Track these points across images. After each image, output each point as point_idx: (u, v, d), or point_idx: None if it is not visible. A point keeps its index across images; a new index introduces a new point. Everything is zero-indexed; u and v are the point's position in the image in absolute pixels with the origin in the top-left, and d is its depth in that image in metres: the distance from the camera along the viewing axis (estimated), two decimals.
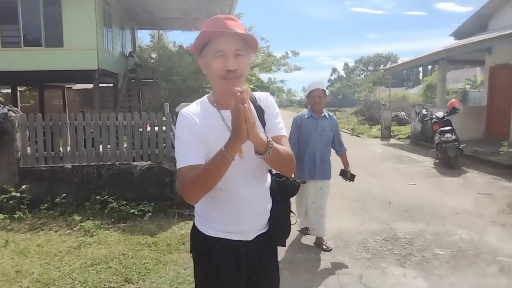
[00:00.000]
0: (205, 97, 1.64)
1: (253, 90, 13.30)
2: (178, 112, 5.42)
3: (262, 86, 18.33)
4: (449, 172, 8.10)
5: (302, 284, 3.35)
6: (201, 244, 1.66)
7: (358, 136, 16.47)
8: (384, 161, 9.69)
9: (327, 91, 4.18)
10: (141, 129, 5.54)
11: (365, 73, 72.29)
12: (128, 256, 3.86)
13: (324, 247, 4.09)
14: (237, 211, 1.61)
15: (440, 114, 9.50)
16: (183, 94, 11.27)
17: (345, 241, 4.33)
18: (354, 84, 59.56)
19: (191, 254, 1.74)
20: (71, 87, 20.26)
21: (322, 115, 4.09)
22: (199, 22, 12.84)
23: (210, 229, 1.63)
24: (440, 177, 7.72)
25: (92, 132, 5.39)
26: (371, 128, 19.07)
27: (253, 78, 12.53)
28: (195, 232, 1.69)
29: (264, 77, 17.07)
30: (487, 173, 7.85)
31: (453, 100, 9.97)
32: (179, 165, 1.49)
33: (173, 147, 5.67)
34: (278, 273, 1.80)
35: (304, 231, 4.45)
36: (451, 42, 14.05)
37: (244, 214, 1.62)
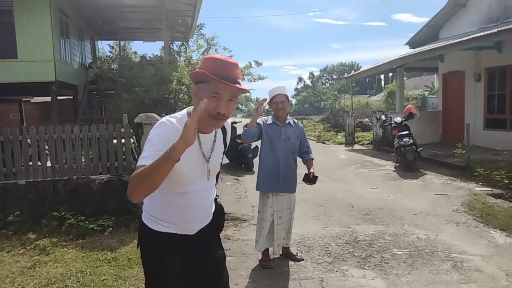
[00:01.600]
0: (185, 112, 1.71)
1: None
2: (137, 123, 5.34)
3: None
4: (409, 175, 8.41)
5: None
6: (150, 239, 1.77)
7: (323, 143, 16.82)
8: (347, 166, 9.93)
9: (290, 97, 3.91)
10: (115, 141, 5.41)
11: (330, 81, 74.18)
12: (86, 273, 3.72)
13: (298, 257, 3.96)
14: (188, 216, 1.77)
15: (398, 119, 9.88)
16: (146, 105, 11.10)
17: (308, 246, 4.38)
18: (320, 92, 60.96)
19: (139, 250, 1.83)
20: (29, 101, 19.43)
21: (287, 122, 3.79)
22: (161, 32, 12.75)
23: (159, 226, 1.75)
24: (399, 180, 8.00)
25: (46, 148, 5.19)
26: (336, 135, 19.53)
27: None
28: (142, 228, 1.80)
29: None
30: (443, 174, 8.22)
31: (410, 105, 10.41)
32: (137, 164, 1.54)
33: (133, 159, 5.55)
34: (225, 259, 1.98)
35: (264, 264, 3.84)
36: (406, 50, 14.72)
37: (194, 220, 1.82)
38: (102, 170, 5.39)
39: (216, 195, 2.01)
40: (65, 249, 4.30)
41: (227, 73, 1.59)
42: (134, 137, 5.55)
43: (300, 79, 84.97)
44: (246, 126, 3.68)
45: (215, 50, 11.87)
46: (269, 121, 3.80)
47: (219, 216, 1.96)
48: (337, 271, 3.71)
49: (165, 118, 1.68)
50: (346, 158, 11.53)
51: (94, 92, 15.40)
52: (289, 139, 3.77)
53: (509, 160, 7.64)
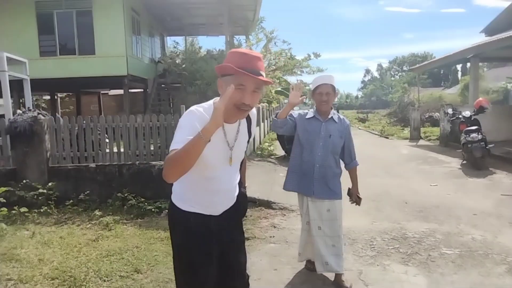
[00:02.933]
0: (211, 103, 1.82)
1: (280, 92, 13.30)
2: None
3: (289, 89, 18.43)
4: (475, 173, 7.84)
5: (301, 277, 3.43)
6: (178, 217, 1.96)
7: (386, 138, 16.19)
8: (408, 162, 9.51)
9: (337, 89, 3.38)
10: None
11: (399, 73, 70.46)
12: (141, 248, 4.09)
13: (345, 284, 3.21)
14: (212, 198, 1.93)
15: (467, 113, 9.21)
16: (208, 97, 11.56)
17: (352, 239, 4.36)
18: (388, 85, 58.24)
19: (169, 225, 2.02)
20: (107, 93, 21.29)
21: (329, 117, 3.22)
22: (223, 27, 13.15)
23: (186, 206, 1.93)
24: (464, 178, 7.50)
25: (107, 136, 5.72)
26: (403, 129, 18.64)
27: (278, 81, 12.62)
28: (172, 207, 1.99)
29: (292, 79, 17.11)
30: None
31: (481, 98, 9.62)
32: (172, 146, 1.65)
33: None
34: (244, 242, 2.13)
35: (309, 266, 3.51)
36: (482, 38, 13.54)
37: (217, 202, 1.97)
38: (162, 156, 5.80)
39: (244, 186, 2.17)
40: (125, 226, 4.76)
41: (251, 66, 1.70)
42: None
43: (368, 71, 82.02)
44: (276, 115, 3.33)
45: (275, 43, 11.99)
46: (309, 115, 3.26)
47: (242, 202, 2.08)
48: (378, 265, 3.66)
49: (193, 107, 1.82)
50: (408, 154, 11.02)
51: (162, 85, 16.39)
52: (329, 136, 3.18)
53: None
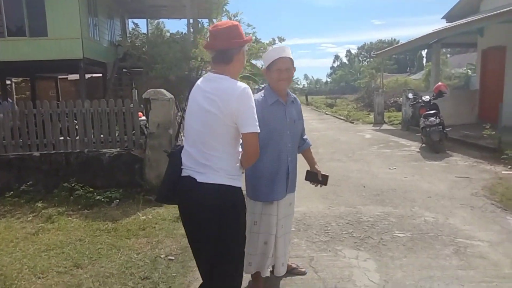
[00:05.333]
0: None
1: (247, 77, 13.08)
2: (145, 99, 5.38)
3: (257, 74, 18.15)
4: (433, 156, 8.01)
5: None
6: (241, 194, 2.10)
7: (352, 123, 16.35)
8: (370, 146, 9.60)
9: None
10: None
11: (367, 59, 71.53)
12: (85, 241, 3.86)
13: (302, 270, 3.15)
14: None
15: (426, 98, 9.36)
16: (170, 82, 11.19)
17: (307, 225, 4.29)
18: (357, 71, 59.04)
19: (240, 207, 2.09)
20: (67, 78, 20.28)
21: (289, 98, 2.74)
22: (186, 9, 12.70)
23: (240, 182, 2.11)
24: (422, 161, 7.64)
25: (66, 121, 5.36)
26: (369, 114, 18.90)
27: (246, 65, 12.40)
28: (233, 189, 2.02)
29: (258, 64, 16.91)
30: (471, 156, 7.75)
31: (440, 83, 9.79)
32: (258, 128, 1.94)
33: (142, 133, 5.63)
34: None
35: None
36: (443, 25, 13.79)
37: None
38: (112, 144, 5.50)
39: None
40: (69, 218, 4.49)
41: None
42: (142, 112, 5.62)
43: (337, 57, 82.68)
44: None
45: None
46: (271, 100, 2.63)
47: None
48: (330, 250, 3.61)
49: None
50: (370, 138, 11.14)
51: (124, 70, 15.76)
52: (294, 122, 2.72)
53: None
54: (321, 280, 3.06)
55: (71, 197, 5.00)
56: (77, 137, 5.44)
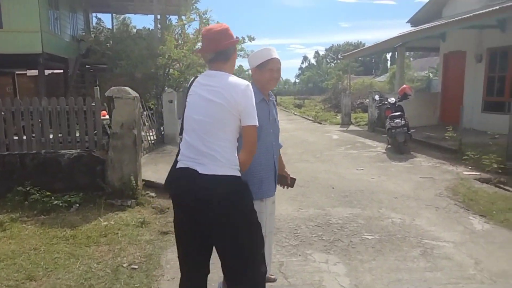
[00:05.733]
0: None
1: None
2: (108, 97, 5.12)
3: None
4: (398, 157, 8.19)
5: (219, 273, 3.20)
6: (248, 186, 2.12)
7: (319, 123, 16.55)
8: (337, 147, 9.71)
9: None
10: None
11: (335, 61, 72.94)
12: (40, 250, 3.59)
13: (272, 276, 3.02)
14: None
15: (392, 100, 9.57)
16: (136, 80, 10.81)
17: (277, 228, 4.20)
18: (325, 72, 60.06)
19: (248, 205, 2.10)
20: (25, 74, 19.21)
21: (271, 98, 2.75)
22: (153, 5, 12.33)
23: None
24: (388, 162, 7.79)
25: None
26: (336, 115, 19.21)
27: None
28: (239, 181, 2.03)
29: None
30: (434, 157, 7.99)
31: (404, 86, 10.06)
32: (257, 122, 2.05)
33: (105, 134, 5.36)
34: None
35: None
36: (408, 29, 14.21)
37: None
38: (72, 144, 5.20)
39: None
40: (23, 225, 4.18)
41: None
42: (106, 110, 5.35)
43: (305, 58, 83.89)
44: None
45: (208, 24, 11.46)
46: (257, 99, 2.42)
47: None
48: (300, 255, 3.55)
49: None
50: (338, 139, 11.29)
51: (87, 66, 15.11)
52: (275, 120, 2.76)
53: (501, 144, 7.38)
54: (292, 287, 2.99)
55: (26, 202, 4.66)
56: (33, 137, 5.09)
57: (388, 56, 59.15)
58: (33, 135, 5.11)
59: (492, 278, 3.06)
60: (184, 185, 1.98)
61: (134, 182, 5.06)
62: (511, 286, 2.95)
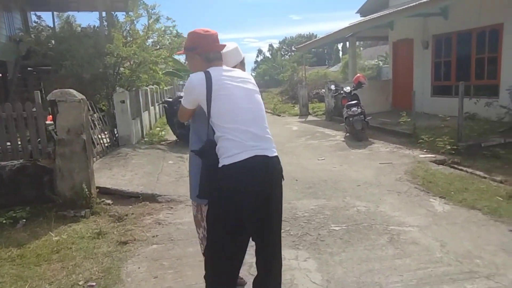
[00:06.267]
0: None
1: (170, 73, 12.36)
2: (51, 101, 4.71)
3: (181, 69, 17.45)
4: (357, 144, 8.32)
5: (184, 282, 3.01)
6: None
7: (279, 116, 16.58)
8: (298, 138, 9.73)
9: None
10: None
11: (289, 53, 73.67)
12: None
13: (241, 279, 2.90)
14: None
15: (347, 89, 9.73)
16: (84, 81, 10.17)
17: None
18: (280, 64, 60.48)
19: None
20: None
21: None
22: (97, 1, 11.65)
23: None
24: (347, 150, 7.89)
25: None
26: (294, 106, 19.34)
27: (163, 61, 11.73)
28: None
29: (181, 58, 16.34)
30: (390, 142, 8.20)
31: (358, 74, 10.25)
32: None
33: (49, 140, 4.94)
34: None
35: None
36: (358, 19, 14.51)
37: None
38: (13, 155, 4.73)
39: None
40: None
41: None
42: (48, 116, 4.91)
43: (260, 52, 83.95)
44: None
45: (157, 20, 11.02)
46: None
47: None
48: None
49: None
50: (297, 130, 11.34)
51: (29, 69, 14.06)
52: None
53: (452, 126, 7.70)
54: None
55: None
56: None
57: (340, 46, 60.69)
58: None
59: (458, 259, 3.12)
60: (259, 173, 2.03)
61: (87, 190, 4.70)
62: (476, 266, 3.01)
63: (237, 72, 2.24)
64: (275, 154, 2.13)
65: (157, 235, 4.00)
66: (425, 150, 7.21)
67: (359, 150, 7.76)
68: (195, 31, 2.27)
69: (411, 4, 9.45)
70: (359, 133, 8.63)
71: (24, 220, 4.36)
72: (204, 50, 2.22)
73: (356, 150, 7.82)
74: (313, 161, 7.04)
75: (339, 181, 5.61)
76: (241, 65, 2.61)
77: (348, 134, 9.31)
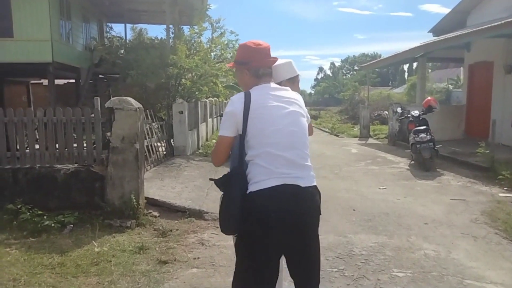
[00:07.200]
0: None
1: (229, 87, 12.41)
2: (109, 108, 4.72)
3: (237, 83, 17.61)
4: (424, 174, 7.56)
5: None
6: None
7: (337, 136, 15.98)
8: (357, 162, 9.12)
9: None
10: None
11: (351, 72, 72.23)
12: (20, 282, 3.15)
13: None
14: None
15: (415, 112, 8.97)
16: (148, 90, 10.50)
17: None
18: (340, 83, 59.50)
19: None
20: (41, 83, 19.24)
21: None
22: (166, 15, 12.08)
23: None
24: (413, 180, 7.17)
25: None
26: (353, 127, 18.65)
27: (224, 74, 11.81)
28: None
29: None
30: (463, 175, 7.34)
31: (429, 98, 9.43)
32: None
33: (103, 148, 4.94)
34: None
35: None
36: (429, 38, 13.60)
37: None
38: (69, 159, 4.80)
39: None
40: (7, 249, 3.75)
41: None
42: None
43: (321, 69, 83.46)
44: None
45: (221, 33, 11.14)
46: None
47: None
48: None
49: None
50: (357, 153, 10.69)
51: (100, 76, 14.95)
52: None
53: None
54: None
55: (15, 222, 4.25)
56: (27, 150, 4.71)
57: (405, 67, 58.35)
58: (27, 148, 4.72)
59: None
60: (287, 203, 1.85)
61: (135, 200, 4.61)
62: None
63: (285, 92, 2.04)
64: (312, 184, 1.94)
65: (198, 257, 3.74)
66: (505, 188, 6.30)
67: (426, 181, 7.01)
68: (246, 44, 2.10)
69: (495, 24, 8.55)
70: (426, 162, 7.84)
71: (72, 226, 4.35)
72: (254, 66, 2.05)
73: (423, 181, 7.07)
74: (374, 190, 6.45)
75: (403, 216, 5.00)
76: (292, 82, 2.38)
77: (413, 162, 8.53)
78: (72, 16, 12.29)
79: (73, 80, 14.20)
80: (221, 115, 11.90)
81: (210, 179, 2.13)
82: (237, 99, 1.97)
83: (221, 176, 2.00)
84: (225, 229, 2.01)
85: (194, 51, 10.64)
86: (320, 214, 2.01)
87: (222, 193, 2.02)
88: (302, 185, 1.88)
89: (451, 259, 3.69)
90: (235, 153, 2.04)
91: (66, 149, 4.80)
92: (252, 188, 1.88)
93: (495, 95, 10.99)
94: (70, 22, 12.21)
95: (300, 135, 1.96)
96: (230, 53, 11.11)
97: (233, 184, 1.94)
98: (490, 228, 4.54)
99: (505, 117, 10.38)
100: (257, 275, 1.90)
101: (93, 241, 3.99)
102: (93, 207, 4.64)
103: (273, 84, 2.07)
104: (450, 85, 28.64)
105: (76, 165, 4.77)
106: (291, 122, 1.94)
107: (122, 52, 12.49)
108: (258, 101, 1.93)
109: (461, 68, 30.43)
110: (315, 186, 1.96)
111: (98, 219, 4.50)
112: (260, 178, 1.86)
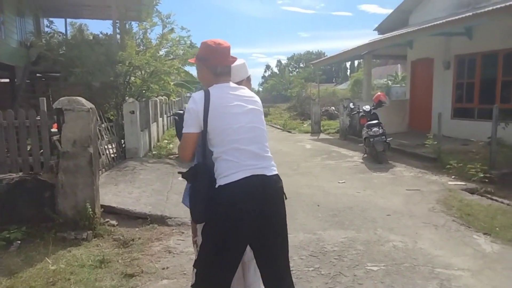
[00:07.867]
0: None
1: (180, 85, 11.99)
2: (57, 109, 4.30)
3: (190, 81, 17.16)
4: (378, 167, 7.83)
5: None
6: None
7: (289, 132, 16.15)
8: (313, 158, 9.25)
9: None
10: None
11: (297, 69, 73.79)
12: None
13: None
14: None
15: (367, 107, 9.28)
16: (93, 89, 9.82)
17: None
18: (287, 80, 60.54)
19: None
20: None
21: None
22: (111, 10, 11.40)
23: None
24: (369, 173, 7.39)
25: None
26: (303, 123, 18.96)
27: (176, 72, 11.40)
28: None
29: (193, 70, 16.07)
30: (414, 166, 7.71)
31: (379, 93, 9.83)
32: None
33: (52, 154, 4.50)
34: None
35: None
36: (375, 37, 14.18)
37: None
38: (12, 167, 4.30)
39: None
40: None
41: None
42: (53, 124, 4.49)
43: (268, 67, 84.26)
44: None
45: (172, 29, 10.73)
46: None
47: None
48: None
49: None
50: (312, 148, 10.86)
51: (38, 75, 13.80)
52: None
53: (482, 152, 7.21)
54: None
55: None
56: None
57: (348, 64, 60.86)
58: None
59: None
60: (256, 192, 1.98)
61: (90, 209, 4.24)
62: None
63: (244, 91, 2.19)
64: (275, 172, 2.09)
65: (167, 267, 3.51)
66: (453, 177, 6.70)
67: (381, 174, 7.26)
68: (207, 42, 2.20)
69: (436, 23, 9.07)
70: (380, 155, 8.14)
71: (19, 242, 3.90)
72: (212, 63, 2.17)
73: (378, 173, 7.32)
74: (334, 184, 6.55)
75: (366, 209, 5.11)
76: (247, 81, 2.50)
77: (366, 156, 8.83)
78: (4, 9, 11.17)
79: (7, 80, 12.95)
80: (173, 115, 11.49)
81: (179, 173, 2.23)
82: (199, 97, 2.07)
83: (188, 169, 2.12)
84: (196, 219, 2.13)
85: (144, 48, 10.15)
86: (286, 198, 2.15)
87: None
88: (268, 174, 2.04)
89: (418, 249, 3.81)
90: (198, 150, 2.17)
91: (8, 156, 4.29)
92: (221, 182, 2.00)
93: (436, 90, 11.72)
94: (3, 15, 11.09)
95: (260, 130, 2.13)
96: (182, 50, 10.75)
97: (199, 176, 2.08)
98: (447, 216, 4.78)
99: (445, 110, 11.09)
100: (219, 259, 2.01)
101: (46, 258, 3.60)
102: (43, 219, 4.20)
103: (232, 84, 2.18)
104: (389, 81, 30.30)
105: (21, 173, 4.28)
106: (251, 119, 2.10)
107: (63, 49, 11.56)
108: (219, 101, 2.06)
109: (399, 65, 32.35)
110: (277, 175, 2.10)
111: (50, 232, 4.08)
112: (230, 172, 1.99)
